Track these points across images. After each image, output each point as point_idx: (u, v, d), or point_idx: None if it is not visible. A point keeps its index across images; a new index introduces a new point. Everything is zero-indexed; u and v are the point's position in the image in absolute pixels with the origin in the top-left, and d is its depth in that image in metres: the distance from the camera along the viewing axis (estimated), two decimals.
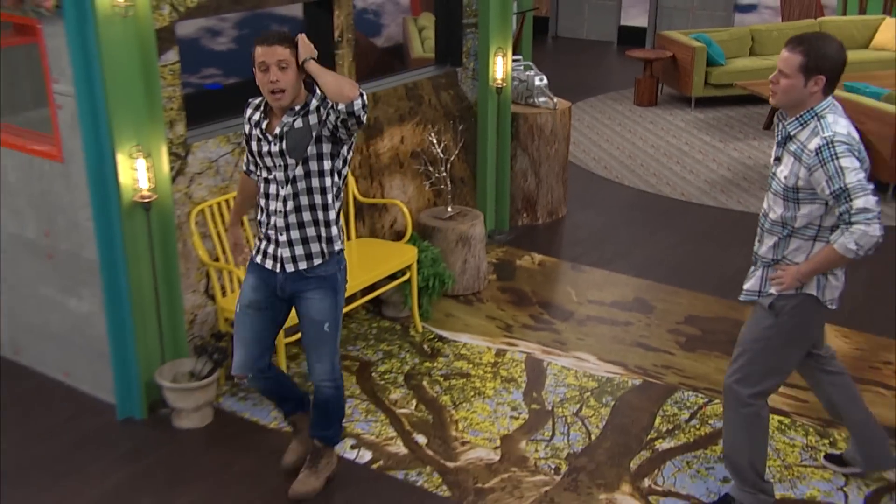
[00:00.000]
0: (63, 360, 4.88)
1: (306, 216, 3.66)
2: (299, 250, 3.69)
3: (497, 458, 4.37)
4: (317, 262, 3.72)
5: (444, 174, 6.03)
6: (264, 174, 3.69)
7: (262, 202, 3.72)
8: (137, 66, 4.16)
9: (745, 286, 3.70)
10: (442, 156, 6.04)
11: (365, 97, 3.46)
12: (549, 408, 4.78)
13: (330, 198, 3.68)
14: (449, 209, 6.05)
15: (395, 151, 5.97)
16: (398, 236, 5.91)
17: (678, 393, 4.92)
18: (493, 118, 6.58)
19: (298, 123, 3.56)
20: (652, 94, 10.83)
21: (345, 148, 3.64)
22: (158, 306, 4.52)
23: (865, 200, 3.26)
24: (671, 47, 10.86)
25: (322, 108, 3.52)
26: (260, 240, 3.78)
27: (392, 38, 8.49)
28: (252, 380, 3.91)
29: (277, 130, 3.58)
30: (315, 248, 3.70)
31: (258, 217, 3.77)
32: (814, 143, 3.33)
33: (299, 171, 3.59)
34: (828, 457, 4.29)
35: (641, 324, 5.69)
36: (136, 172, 4.23)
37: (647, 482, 4.21)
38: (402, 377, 5.06)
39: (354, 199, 5.58)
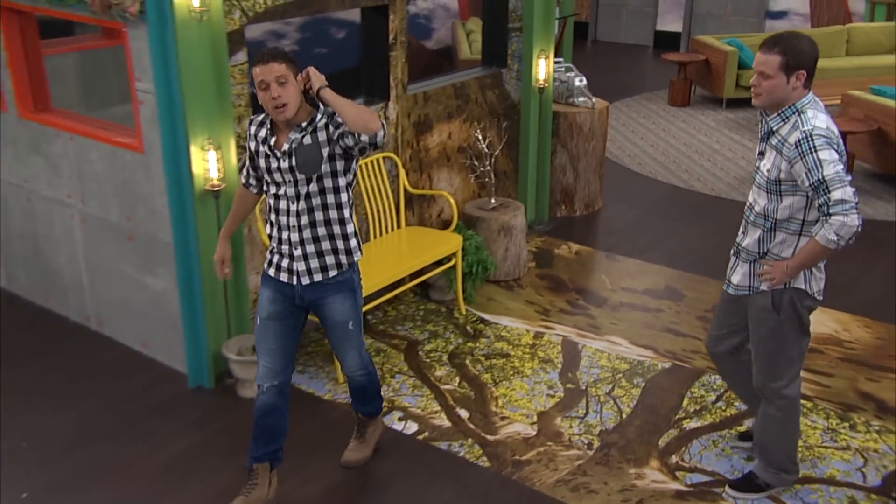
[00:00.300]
0: (141, 332, 4.99)
1: (321, 231, 3.51)
2: (314, 263, 3.54)
3: (534, 432, 4.42)
4: (332, 273, 3.57)
5: (489, 168, 6.07)
6: (273, 190, 3.52)
7: (273, 217, 3.56)
8: (210, 66, 4.23)
9: (734, 280, 3.66)
10: (487, 151, 6.08)
11: (385, 125, 3.38)
12: (584, 387, 4.82)
13: (347, 212, 3.54)
14: (492, 201, 6.09)
15: (444, 146, 6.02)
16: (445, 225, 5.97)
17: (705, 376, 4.92)
18: (535, 116, 6.60)
19: (307, 140, 3.39)
20: (685, 95, 10.75)
21: (354, 161, 3.53)
22: (226, 285, 4.60)
23: (843, 192, 3.22)
24: (704, 51, 10.76)
25: (331, 126, 3.40)
26: (272, 253, 3.62)
27: (441, 41, 8.52)
28: (266, 392, 3.68)
29: (286, 147, 3.41)
30: (331, 260, 3.55)
31: (269, 231, 3.62)
32: (794, 137, 3.31)
33: (313, 187, 3.44)
34: (741, 436, 4.29)
35: (671, 311, 5.69)
36: (208, 163, 4.31)
37: (674, 458, 4.23)
38: (447, 356, 5.12)
39: (405, 189, 5.64)
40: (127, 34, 4.29)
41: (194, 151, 4.28)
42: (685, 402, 4.68)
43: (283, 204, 3.50)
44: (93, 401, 4.62)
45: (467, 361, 5.06)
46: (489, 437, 4.37)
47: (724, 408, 4.64)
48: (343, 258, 3.58)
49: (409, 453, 4.24)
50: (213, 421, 4.45)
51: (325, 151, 3.40)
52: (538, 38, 6.40)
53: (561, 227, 6.99)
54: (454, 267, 5.51)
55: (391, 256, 5.29)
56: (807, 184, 3.28)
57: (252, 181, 3.69)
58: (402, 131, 5.63)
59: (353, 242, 3.61)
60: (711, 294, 5.90)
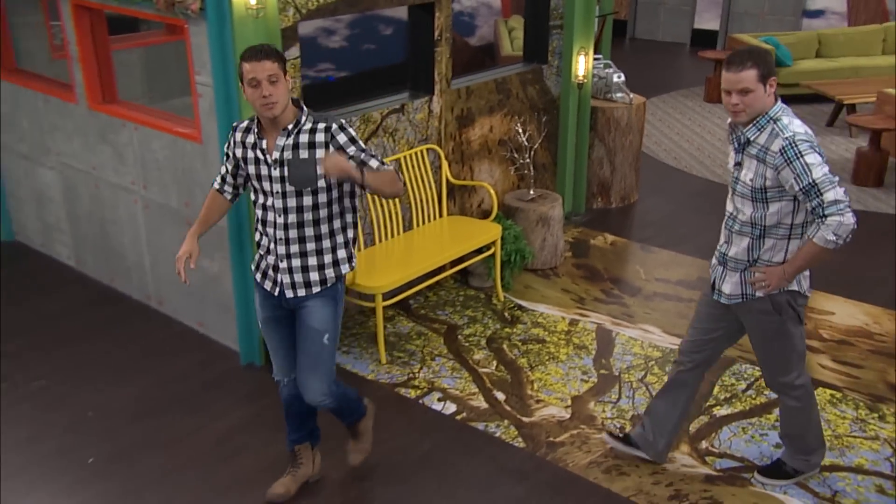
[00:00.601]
0: (197, 312, 5.07)
1: (309, 246, 3.31)
2: (299, 278, 3.33)
3: (567, 416, 4.41)
4: (316, 290, 3.35)
5: (528, 160, 6.04)
6: (261, 199, 3.32)
7: (260, 227, 3.39)
8: None
9: (726, 290, 3.53)
10: (526, 144, 6.06)
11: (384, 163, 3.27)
12: (617, 373, 4.79)
13: (337, 224, 3.34)
14: (531, 192, 6.06)
15: (485, 139, 6.00)
16: (485, 215, 5.96)
17: (736, 365, 4.87)
18: (573, 111, 6.55)
19: (303, 154, 3.18)
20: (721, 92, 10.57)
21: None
22: None
23: (835, 192, 3.17)
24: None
25: (332, 146, 3.19)
26: (261, 256, 3.44)
27: (484, 38, 8.49)
28: (287, 385, 3.62)
29: (276, 155, 3.21)
30: (315, 276, 3.34)
31: (257, 238, 3.44)
32: (776, 145, 3.22)
33: (304, 201, 3.24)
34: (614, 436, 4.07)
35: None
36: None
37: (704, 444, 4.20)
38: (485, 340, 5.12)
39: (447, 180, 5.64)
40: (188, 30, 4.33)
41: None
42: (716, 390, 4.63)
43: (270, 216, 3.30)
44: (153, 375, 4.71)
45: (504, 346, 5.06)
46: (524, 419, 4.37)
47: (754, 396, 4.58)
48: (329, 272, 3.35)
49: (447, 432, 4.25)
50: (263, 396, 4.51)
51: (321, 170, 3.14)
52: (578, 35, 6.35)
53: (597, 219, 6.94)
54: (493, 255, 5.51)
55: (433, 244, 5.30)
56: (797, 188, 3.20)
57: (227, 188, 3.49)
58: (446, 124, 5.63)
59: (343, 254, 3.39)
60: None
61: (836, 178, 3.20)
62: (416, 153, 5.41)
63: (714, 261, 3.64)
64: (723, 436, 4.25)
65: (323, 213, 3.28)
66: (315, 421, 3.77)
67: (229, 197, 3.52)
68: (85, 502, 3.77)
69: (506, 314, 5.43)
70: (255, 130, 3.27)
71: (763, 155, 3.25)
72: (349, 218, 3.40)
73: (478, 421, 4.35)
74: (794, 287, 3.46)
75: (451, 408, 4.45)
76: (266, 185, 3.27)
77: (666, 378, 4.69)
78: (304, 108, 3.25)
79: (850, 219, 3.17)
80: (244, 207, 4.44)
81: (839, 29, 11.42)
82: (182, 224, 4.88)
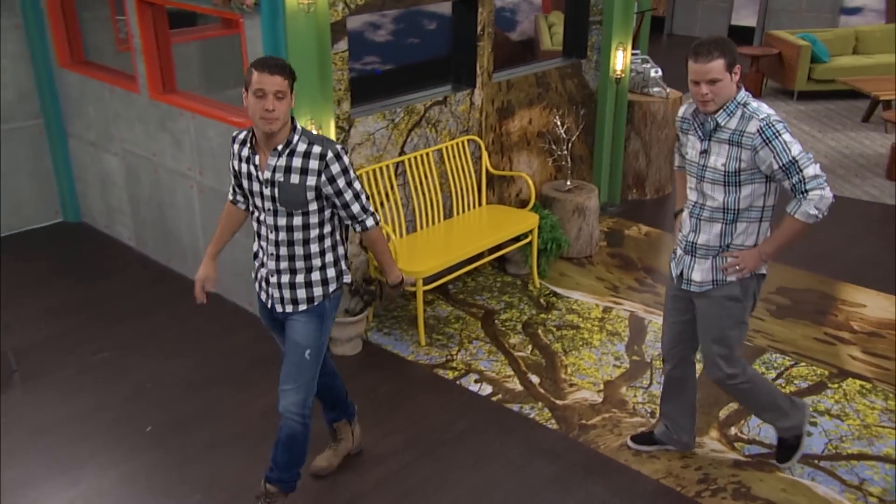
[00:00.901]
0: (247, 292, 5.09)
1: (299, 264, 3.17)
2: (287, 294, 3.21)
3: (600, 399, 4.37)
4: (302, 307, 3.22)
5: (566, 152, 5.99)
6: (255, 214, 3.20)
7: (256, 236, 3.27)
8: (315, 53, 4.27)
9: (696, 279, 3.40)
10: (564, 136, 6.00)
11: (375, 215, 3.19)
12: (648, 360, 4.74)
13: (328, 243, 3.19)
14: (568, 183, 6.00)
15: (524, 131, 5.95)
16: (523, 204, 5.92)
17: (766, 354, 4.77)
18: (611, 105, 6.46)
19: (294, 179, 3.01)
20: (757, 87, 10.35)
21: None
22: None
23: (814, 168, 3.12)
24: (778, 45, 10.33)
25: (324, 175, 3.01)
26: (257, 267, 3.32)
27: (525, 33, 8.41)
28: None
29: (267, 174, 3.04)
30: (302, 294, 3.19)
31: (254, 248, 3.31)
32: (752, 126, 3.14)
33: (295, 221, 3.09)
34: (635, 438, 3.98)
35: None
36: None
37: (733, 430, 4.13)
38: (521, 325, 5.10)
39: (487, 170, 5.61)
40: (243, 24, 4.35)
41: None
42: None
43: (262, 230, 3.19)
44: (205, 351, 4.77)
45: (539, 331, 5.03)
46: (558, 402, 4.34)
47: (784, 385, 4.49)
48: (317, 290, 3.21)
49: (483, 412, 4.25)
50: None
51: (311, 195, 3.04)
52: (617, 30, 6.25)
53: (632, 210, 6.85)
54: (530, 243, 5.47)
55: (472, 232, 5.28)
56: (775, 167, 3.13)
57: (240, 199, 3.35)
58: (486, 116, 5.59)
59: (332, 272, 3.23)
60: (774, 277, 5.70)
61: (811, 155, 3.15)
62: (457, 144, 5.39)
63: (679, 251, 3.50)
64: (752, 423, 4.18)
65: (313, 233, 3.13)
66: (345, 400, 3.72)
67: (243, 207, 3.36)
68: (142, 468, 3.83)
69: (541, 300, 5.39)
70: (250, 144, 3.09)
71: (738, 138, 3.17)
72: (338, 236, 3.25)
73: (513, 402, 4.33)
74: (763, 270, 3.38)
75: (487, 389, 4.44)
76: (258, 201, 3.12)
77: (697, 365, 4.64)
78: (298, 128, 3.05)
79: (829, 192, 3.14)
80: None
81: (876, 26, 11.09)
82: None
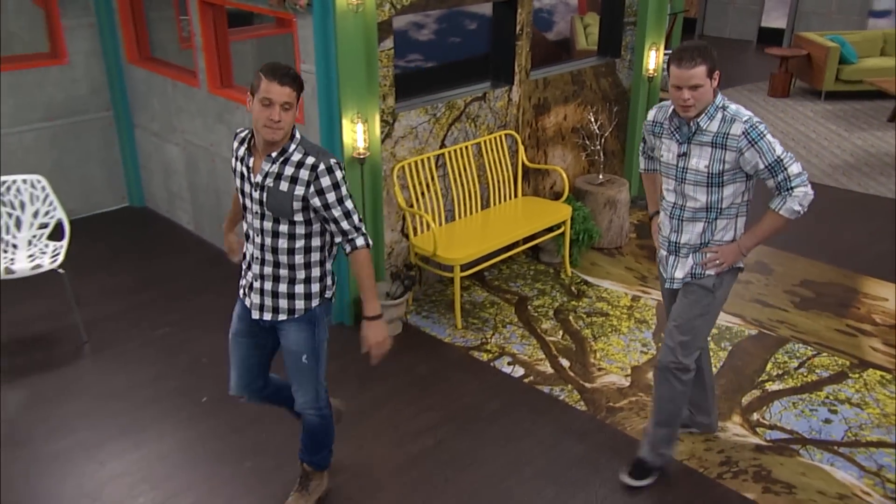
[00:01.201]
0: None
1: (283, 272, 2.93)
2: (268, 302, 2.99)
3: (627, 383, 4.32)
4: (282, 317, 2.99)
5: (599, 147, 5.91)
6: (246, 215, 2.98)
7: (245, 239, 3.05)
8: (362, 51, 4.25)
9: (678, 275, 3.30)
10: (598, 132, 5.92)
11: (367, 236, 2.91)
12: None
13: (315, 257, 2.94)
14: (600, 176, 5.93)
15: (559, 126, 5.88)
16: (556, 196, 5.86)
17: (789, 344, 4.67)
18: (643, 102, 6.35)
19: (283, 187, 2.80)
20: (785, 87, 10.11)
21: None
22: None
23: (797, 166, 3.03)
24: (807, 46, 10.07)
25: (312, 187, 2.78)
26: (243, 268, 3.10)
27: (561, 33, 8.30)
28: (248, 399, 3.29)
29: (259, 178, 2.84)
30: (283, 304, 2.97)
31: (244, 249, 3.09)
32: (737, 128, 3.02)
33: (282, 228, 2.87)
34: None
35: (761, 283, 5.41)
36: (356, 134, 4.36)
37: (755, 416, 4.05)
38: (552, 311, 5.05)
39: (522, 163, 5.56)
40: (296, 23, 4.35)
41: (345, 124, 4.33)
42: (769, 367, 4.46)
43: (250, 233, 2.98)
44: None
45: (570, 317, 4.98)
46: (587, 385, 4.30)
47: (805, 374, 4.39)
48: (299, 304, 2.97)
49: (515, 393, 4.22)
50: (350, 352, 4.54)
51: (297, 206, 2.82)
52: (651, 31, 6.14)
53: None
54: (563, 234, 5.41)
55: (508, 222, 5.24)
56: (761, 166, 3.03)
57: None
58: (523, 112, 5.53)
59: (316, 288, 2.98)
60: (799, 270, 5.58)
61: (792, 154, 3.06)
62: (495, 138, 5.34)
63: (663, 251, 3.38)
64: (774, 409, 4.10)
65: (299, 243, 2.90)
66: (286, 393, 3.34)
67: None
68: (199, 435, 3.89)
69: (572, 288, 5.34)
70: (247, 145, 2.89)
71: (722, 140, 3.05)
72: (328, 253, 3.01)
73: (544, 384, 4.30)
74: (740, 263, 3.29)
75: (519, 371, 4.41)
76: (247, 202, 2.93)
77: (721, 353, 4.56)
78: (297, 136, 2.83)
79: (811, 189, 3.07)
80: None
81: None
82: None
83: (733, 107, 3.08)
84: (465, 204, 5.23)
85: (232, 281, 5.30)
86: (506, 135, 5.42)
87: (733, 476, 3.63)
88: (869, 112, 9.48)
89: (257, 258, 2.96)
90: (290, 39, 4.53)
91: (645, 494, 3.53)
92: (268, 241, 2.90)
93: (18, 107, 5.71)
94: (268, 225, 2.88)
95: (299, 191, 2.78)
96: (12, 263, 4.58)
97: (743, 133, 3.02)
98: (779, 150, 3.03)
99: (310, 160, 2.79)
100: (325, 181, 2.78)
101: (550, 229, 5.39)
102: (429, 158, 4.97)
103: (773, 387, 4.28)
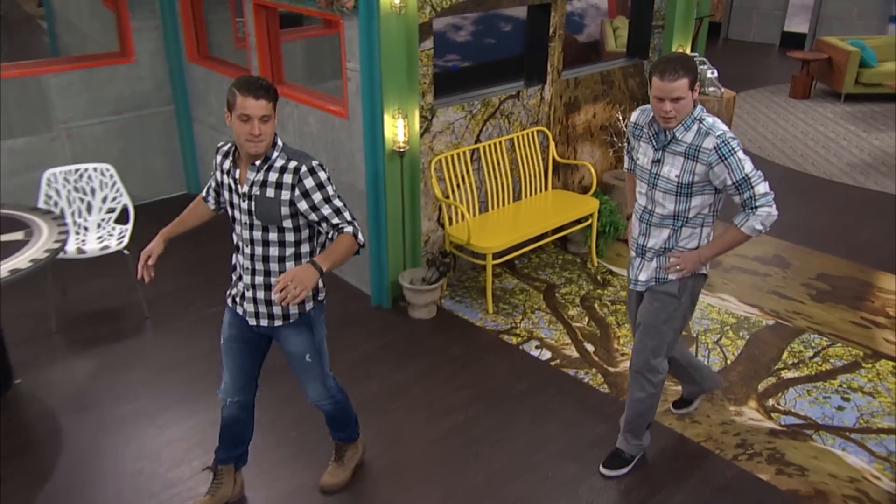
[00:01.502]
0: None
1: (274, 280, 2.79)
2: (263, 309, 2.87)
3: None
4: (278, 323, 2.88)
5: (625, 145, 5.81)
6: (234, 226, 2.84)
7: (235, 251, 2.90)
8: (404, 51, 4.23)
9: (643, 278, 3.18)
10: (625, 130, 5.82)
11: (360, 231, 2.74)
12: (695, 335, 4.58)
13: (305, 262, 2.75)
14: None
15: (588, 124, 5.80)
16: (585, 190, 5.78)
17: (805, 335, 4.56)
18: None
19: (269, 193, 2.67)
20: (806, 89, 9.85)
21: None
22: (404, 228, 4.66)
23: (765, 186, 2.88)
24: (828, 50, 9.79)
25: (297, 189, 2.66)
26: (234, 280, 2.94)
27: (591, 36, 8.17)
28: (229, 405, 3.13)
29: (245, 189, 2.71)
30: (278, 310, 2.86)
31: (233, 261, 2.93)
32: (710, 142, 2.86)
33: (272, 236, 2.75)
34: (675, 404, 3.84)
35: (778, 276, 5.29)
36: (396, 129, 4.34)
37: (770, 402, 3.97)
38: (579, 299, 5.00)
39: (553, 158, 5.50)
40: (342, 24, 4.34)
41: (387, 119, 4.31)
42: (784, 355, 4.36)
43: (240, 244, 2.84)
44: None
45: (596, 305, 4.92)
46: (610, 369, 4.25)
47: (820, 363, 4.29)
48: (293, 309, 2.87)
49: (542, 375, 4.19)
50: (388, 333, 4.56)
51: (285, 211, 2.69)
52: (678, 34, 6.02)
53: None
54: (590, 226, 5.34)
55: (538, 214, 5.19)
56: (729, 182, 2.88)
57: (211, 198, 3.00)
58: (554, 110, 5.46)
59: (307, 292, 2.72)
60: (816, 264, 5.45)
61: (761, 173, 2.92)
62: (527, 134, 5.29)
63: (632, 253, 3.25)
64: (788, 396, 4.01)
65: (289, 251, 2.77)
66: (246, 445, 3.28)
67: (212, 206, 3.02)
68: None
69: (598, 277, 5.27)
70: (232, 158, 2.76)
71: (694, 152, 2.90)
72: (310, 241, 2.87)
73: (569, 367, 4.26)
74: (703, 270, 3.15)
75: (546, 354, 4.38)
76: (236, 213, 2.79)
77: (739, 342, 4.47)
78: (278, 143, 2.70)
79: (775, 210, 2.91)
80: (380, 175, 4.45)
81: None
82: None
83: (710, 120, 2.93)
84: (497, 196, 5.19)
85: None
86: (538, 131, 5.36)
87: (748, 458, 3.56)
88: (887, 114, 9.20)
89: (248, 268, 2.82)
90: (336, 39, 4.53)
91: (661, 472, 3.48)
92: (258, 250, 2.77)
93: (91, 102, 5.80)
94: (258, 235, 2.75)
95: (285, 195, 2.66)
96: (83, 244, 4.67)
97: (714, 148, 2.87)
98: (748, 168, 2.87)
99: (292, 164, 2.66)
100: (309, 182, 2.66)
101: (578, 221, 5.32)
102: (464, 152, 4.93)
103: (788, 374, 4.19)
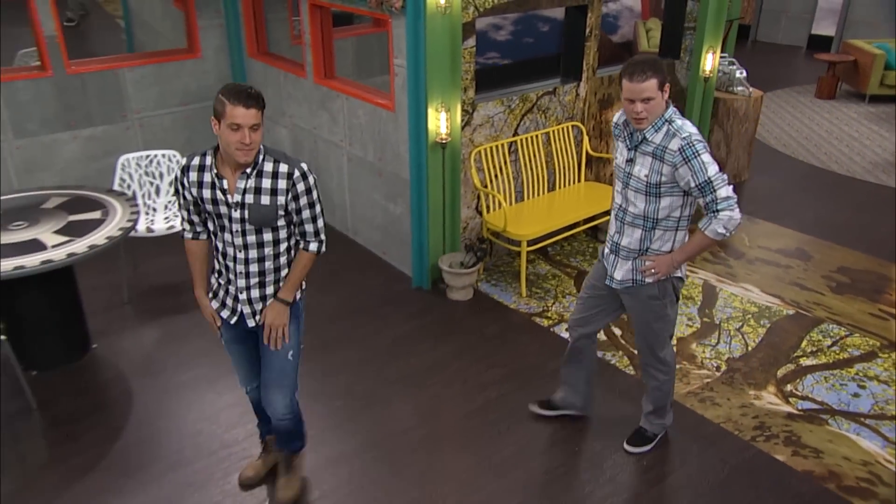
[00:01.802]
0: (382, 243, 5.16)
1: (269, 277, 2.69)
2: (258, 307, 2.73)
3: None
4: None
5: None
6: (220, 233, 2.65)
7: (219, 258, 2.72)
8: (448, 48, 4.20)
9: (618, 277, 3.06)
10: None
11: (324, 243, 2.69)
12: (717, 322, 4.50)
13: (293, 252, 2.72)
14: None
15: None
16: None
17: (824, 325, 4.45)
18: (699, 100, 6.09)
19: (265, 200, 2.53)
20: (831, 90, 9.53)
21: None
22: (444, 215, 4.65)
23: (727, 190, 2.74)
24: (854, 53, 9.45)
25: (290, 193, 2.55)
26: (219, 285, 2.78)
27: (625, 36, 8.01)
28: (251, 391, 3.06)
29: (237, 197, 2.54)
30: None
31: (216, 267, 2.76)
32: (675, 144, 2.74)
33: (266, 237, 2.62)
34: (541, 403, 3.63)
35: (800, 268, 5.16)
36: (439, 121, 4.32)
37: (789, 387, 3.88)
38: None
39: (586, 152, 5.42)
40: (390, 23, 4.33)
41: (431, 112, 4.30)
42: (804, 344, 4.26)
43: (230, 251, 2.66)
44: (347, 288, 4.86)
45: None
46: (636, 352, 4.19)
47: (838, 352, 4.17)
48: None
49: None
50: (428, 313, 4.57)
51: (281, 213, 2.59)
52: (708, 36, 5.86)
53: None
54: None
55: (571, 204, 5.13)
56: (692, 184, 2.75)
57: (199, 228, 2.74)
58: (589, 106, 5.38)
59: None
60: (836, 258, 5.29)
61: (726, 176, 2.78)
62: (563, 128, 5.22)
63: (606, 249, 3.14)
64: (806, 382, 3.92)
65: (282, 246, 2.67)
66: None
67: (205, 237, 2.77)
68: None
69: None
70: (213, 170, 2.54)
71: (661, 153, 2.78)
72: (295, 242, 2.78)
73: (597, 349, 4.20)
74: (679, 273, 3.03)
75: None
76: (225, 223, 2.60)
77: (760, 329, 4.38)
78: (262, 147, 2.54)
79: (737, 214, 2.77)
80: (423, 165, 4.44)
81: None
82: (375, 174, 4.96)
83: (679, 121, 2.81)
84: (533, 186, 5.14)
85: (327, 246, 5.38)
86: (572, 126, 5.28)
87: (765, 439, 3.50)
88: None
89: (241, 272, 2.66)
90: (384, 37, 4.52)
91: (682, 451, 3.43)
92: (252, 253, 2.64)
93: (161, 94, 5.90)
94: (251, 238, 2.61)
95: (281, 200, 2.55)
96: (152, 224, 4.77)
97: (679, 149, 2.75)
98: (711, 171, 2.73)
99: (283, 168, 2.53)
100: (301, 186, 2.56)
101: (608, 212, 5.24)
102: (503, 145, 4.89)
103: (806, 362, 4.09)
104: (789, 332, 4.37)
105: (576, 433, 3.54)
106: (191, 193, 2.61)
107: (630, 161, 2.91)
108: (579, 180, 5.43)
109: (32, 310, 3.89)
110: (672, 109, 2.82)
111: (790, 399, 3.78)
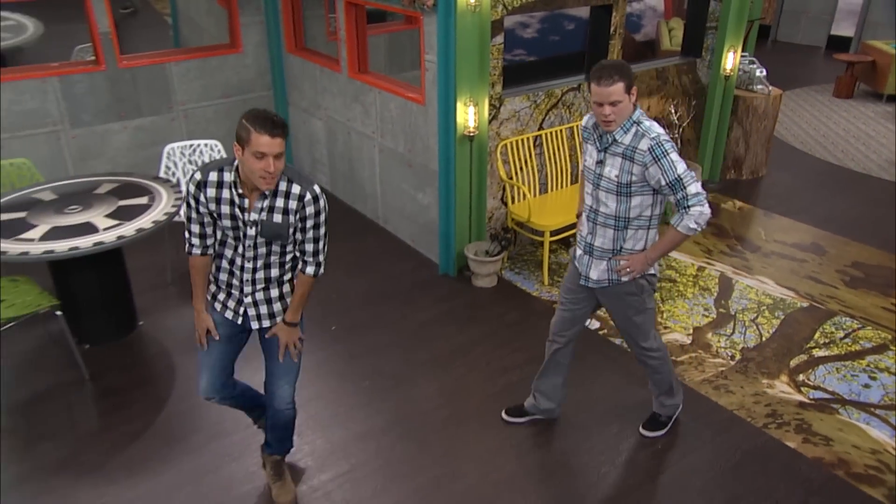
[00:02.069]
0: (410, 231, 5.16)
1: (274, 283, 2.64)
2: (264, 310, 2.67)
3: (689, 341, 4.14)
4: (279, 318, 2.70)
5: (677, 136, 5.61)
6: (233, 244, 2.57)
7: (224, 265, 2.63)
8: (477, 44, 4.17)
9: (594, 276, 2.99)
10: (677, 122, 5.62)
11: (321, 266, 2.62)
12: (733, 313, 4.43)
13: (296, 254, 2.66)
14: None
15: None
16: None
17: (837, 317, 4.35)
18: (719, 98, 5.97)
19: (277, 219, 2.47)
20: (849, 89, 9.28)
21: None
22: (471, 205, 4.63)
23: (696, 186, 2.69)
24: (873, 53, 9.18)
25: (298, 214, 2.49)
26: (219, 289, 2.69)
27: (647, 35, 7.87)
28: (219, 400, 2.87)
29: (254, 216, 2.47)
30: (278, 307, 2.68)
31: (217, 273, 2.67)
32: (644, 144, 2.68)
33: (275, 247, 2.57)
34: (508, 411, 3.52)
35: (814, 262, 5.05)
36: (467, 115, 4.30)
37: (801, 377, 3.82)
38: None
39: None
40: (422, 21, 4.30)
41: (459, 106, 4.27)
42: (817, 335, 4.18)
43: (238, 261, 2.59)
44: (377, 274, 4.87)
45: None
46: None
47: (850, 343, 4.09)
48: (290, 299, 2.71)
49: (590, 343, 4.12)
50: (453, 299, 4.57)
51: (291, 230, 2.53)
52: (730, 35, 5.73)
53: (729, 187, 6.37)
54: None
55: None
56: (663, 183, 2.69)
57: (209, 243, 2.61)
58: None
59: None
60: (851, 253, 5.17)
61: (694, 174, 2.73)
62: None
63: (579, 251, 3.06)
64: (818, 372, 3.85)
65: (288, 256, 2.62)
66: (261, 396, 3.06)
67: (212, 252, 2.66)
68: (328, 357, 4.00)
69: None
70: (236, 190, 2.45)
71: (631, 153, 2.73)
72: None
73: (615, 337, 4.18)
74: (652, 270, 2.98)
75: (594, 324, 4.31)
76: (238, 235, 2.54)
77: (774, 321, 4.30)
78: (285, 176, 2.47)
79: (707, 209, 2.71)
80: (451, 157, 4.42)
81: None
82: (405, 165, 4.95)
83: (647, 123, 2.75)
84: (556, 179, 5.09)
85: (359, 232, 5.42)
86: None
87: (777, 427, 3.45)
88: None
89: (248, 280, 2.60)
90: (415, 34, 4.49)
91: (695, 435, 3.40)
92: (261, 262, 2.58)
93: (204, 87, 5.94)
94: (262, 250, 2.55)
95: (292, 219, 2.49)
96: None
97: (648, 149, 2.69)
98: (680, 169, 2.69)
99: (295, 189, 2.45)
100: (311, 209, 2.48)
101: None
102: (528, 138, 4.85)
103: (819, 353, 4.01)
104: (803, 324, 4.29)
105: (594, 417, 3.52)
106: (207, 208, 2.50)
107: (600, 163, 2.86)
108: None
109: (85, 288, 3.97)
110: (639, 112, 2.77)
111: (802, 388, 3.72)
